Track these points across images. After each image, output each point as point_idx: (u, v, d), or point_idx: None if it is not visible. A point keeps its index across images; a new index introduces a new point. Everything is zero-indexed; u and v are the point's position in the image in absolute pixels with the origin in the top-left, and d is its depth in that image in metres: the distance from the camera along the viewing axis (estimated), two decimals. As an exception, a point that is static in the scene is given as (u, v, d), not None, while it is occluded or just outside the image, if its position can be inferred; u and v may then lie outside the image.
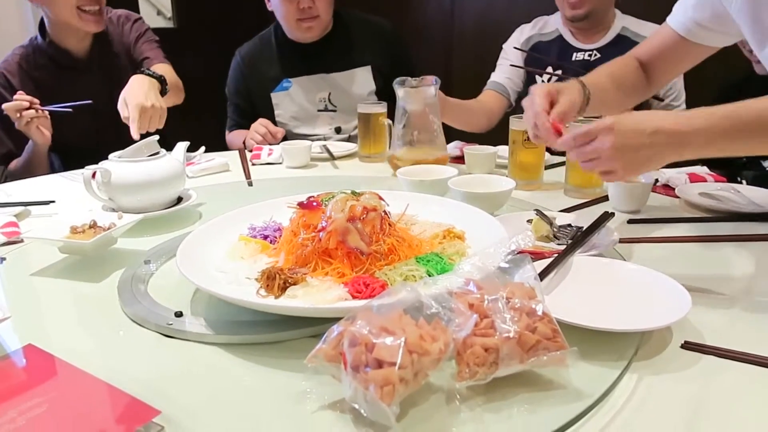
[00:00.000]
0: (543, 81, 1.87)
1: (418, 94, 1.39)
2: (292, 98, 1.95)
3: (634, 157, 0.81)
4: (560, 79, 1.82)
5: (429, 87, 1.39)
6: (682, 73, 1.18)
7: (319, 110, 1.96)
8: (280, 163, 1.61)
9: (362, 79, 1.93)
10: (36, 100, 1.59)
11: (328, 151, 1.65)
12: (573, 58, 1.83)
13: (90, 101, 1.66)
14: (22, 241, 1.04)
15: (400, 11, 3.24)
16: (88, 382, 0.62)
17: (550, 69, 1.84)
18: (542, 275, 0.78)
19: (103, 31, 1.83)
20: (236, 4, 3.64)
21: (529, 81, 1.90)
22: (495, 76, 1.93)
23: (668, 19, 1.12)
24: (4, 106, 1.58)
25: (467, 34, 3.25)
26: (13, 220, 1.10)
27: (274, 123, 1.97)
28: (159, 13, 3.59)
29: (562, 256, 0.81)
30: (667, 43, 1.12)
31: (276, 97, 1.96)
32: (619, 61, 1.18)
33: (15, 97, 1.59)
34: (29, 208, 1.23)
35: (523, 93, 1.93)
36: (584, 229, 0.93)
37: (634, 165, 0.83)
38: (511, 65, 1.88)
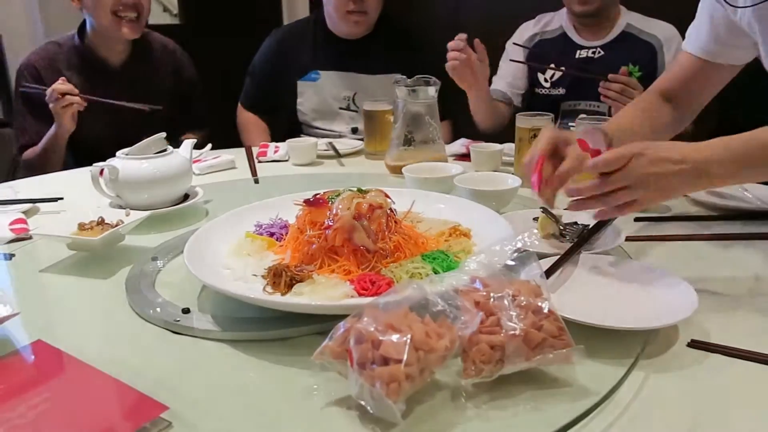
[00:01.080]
0: (546, 78, 1.87)
1: (416, 94, 1.39)
2: (317, 90, 1.96)
3: (662, 185, 0.77)
4: (563, 76, 1.82)
5: (427, 88, 1.39)
6: (710, 98, 1.14)
7: (341, 108, 1.96)
8: (286, 161, 1.61)
9: (390, 86, 1.92)
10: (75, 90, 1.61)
11: (334, 148, 1.65)
12: (576, 56, 1.83)
13: (147, 107, 1.70)
14: (30, 237, 1.04)
15: (405, 10, 3.24)
16: (96, 377, 0.63)
17: (552, 66, 1.83)
18: (548, 273, 0.78)
19: (143, 47, 1.84)
20: (242, 1, 3.65)
21: (533, 78, 1.90)
22: (496, 83, 1.92)
23: (684, 45, 1.11)
24: (54, 85, 1.59)
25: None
26: (22, 217, 1.10)
27: (295, 111, 1.99)
28: (165, 9, 3.60)
29: (568, 254, 0.81)
30: (689, 69, 1.09)
31: (302, 85, 1.96)
32: (644, 98, 1.14)
33: (61, 81, 1.61)
34: (37, 205, 1.24)
35: (527, 92, 1.93)
36: (590, 227, 0.93)
37: (657, 194, 0.79)
38: (511, 60, 1.87)
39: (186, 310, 0.76)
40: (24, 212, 1.16)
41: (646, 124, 1.07)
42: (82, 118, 1.71)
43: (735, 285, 0.84)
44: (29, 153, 1.75)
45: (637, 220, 1.10)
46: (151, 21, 3.19)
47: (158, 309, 0.77)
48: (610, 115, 1.72)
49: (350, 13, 1.85)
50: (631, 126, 1.05)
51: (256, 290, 0.75)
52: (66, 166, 1.76)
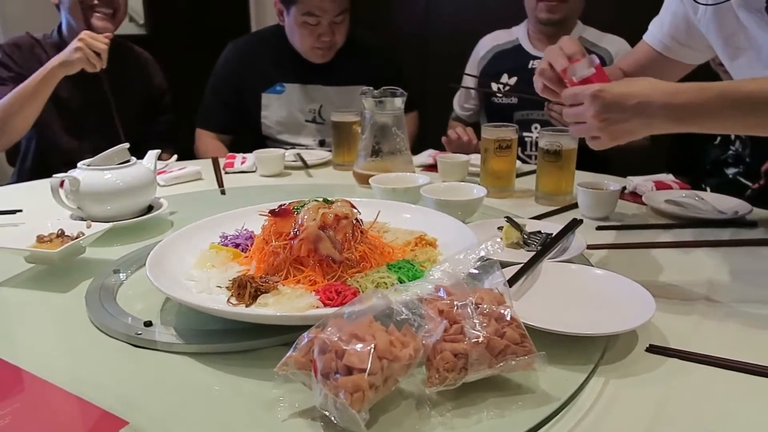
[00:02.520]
0: (499, 88, 1.92)
1: (383, 105, 1.40)
2: (282, 103, 1.94)
3: (617, 129, 0.80)
4: (513, 89, 1.88)
5: (394, 99, 1.40)
6: None
7: (307, 120, 1.95)
8: (253, 172, 1.60)
9: (356, 98, 1.93)
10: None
11: (301, 159, 1.65)
12: (529, 66, 1.87)
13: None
14: (-14, 251, 1.01)
15: (375, 19, 3.26)
16: (55, 393, 0.61)
17: (505, 76, 1.89)
18: (512, 281, 0.79)
19: (118, 52, 1.81)
20: (209, 11, 3.63)
21: (487, 100, 1.97)
22: (456, 107, 2.09)
23: (645, 36, 1.15)
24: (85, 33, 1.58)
25: (441, 40, 3.28)
26: (-22, 230, 1.07)
27: (259, 124, 1.96)
28: (131, 19, 3.56)
29: (531, 262, 0.83)
30: (647, 58, 1.14)
31: (267, 98, 1.94)
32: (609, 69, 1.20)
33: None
34: (-5, 217, 1.20)
35: (482, 103, 2.01)
36: (553, 235, 0.95)
37: (616, 134, 0.81)
38: (463, 87, 2.02)
39: (148, 323, 0.74)
40: (-20, 225, 1.13)
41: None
42: (43, 124, 1.69)
43: (691, 290, 0.86)
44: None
45: (598, 228, 1.12)
46: (117, 31, 3.16)
47: (119, 323, 0.75)
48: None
49: (317, 48, 1.85)
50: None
51: (220, 302, 0.74)
52: (24, 177, 1.72)
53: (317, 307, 0.72)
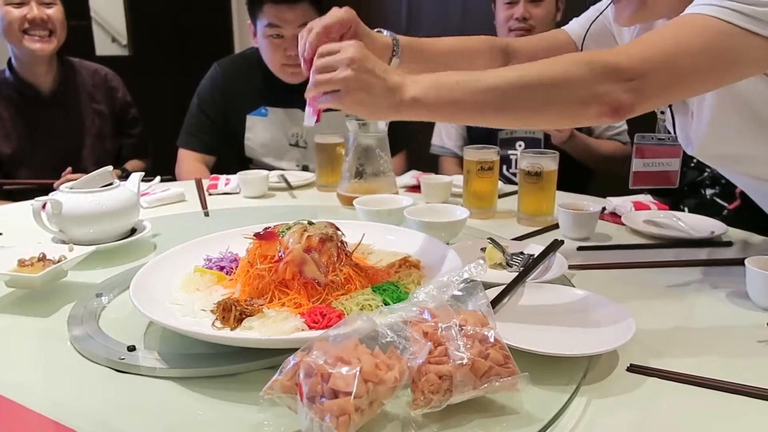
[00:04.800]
0: None
1: (366, 128, 1.42)
2: (266, 126, 1.94)
3: (363, 80, 0.77)
4: None
5: (377, 122, 1.42)
6: None
7: (290, 144, 1.96)
8: (237, 193, 1.60)
9: (337, 123, 1.94)
10: None
11: (285, 180, 1.66)
12: None
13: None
14: (-35, 275, 1.00)
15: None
16: (36, 421, 0.60)
17: None
18: (495, 302, 0.80)
19: (70, 71, 1.88)
20: (192, 32, 3.65)
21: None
22: (443, 141, 2.10)
23: (565, 27, 1.19)
24: None
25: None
26: (-44, 254, 1.06)
27: (243, 146, 1.97)
28: (114, 40, 3.56)
29: (514, 284, 0.84)
30: (558, 44, 1.14)
31: (251, 119, 1.94)
32: (479, 39, 1.17)
33: None
34: (-27, 240, 1.19)
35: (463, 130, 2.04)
36: (535, 256, 0.96)
37: (359, 85, 0.77)
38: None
39: (131, 348, 0.74)
40: (-41, 248, 1.11)
41: (460, 57, 1.11)
42: (12, 158, 1.73)
43: (670, 310, 0.88)
44: None
45: (579, 249, 1.14)
46: (99, 52, 3.17)
47: (102, 347, 0.75)
48: (546, 143, 1.81)
49: (286, 65, 1.85)
50: (432, 49, 1.09)
51: (204, 325, 0.74)
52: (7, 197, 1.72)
53: (302, 330, 0.72)
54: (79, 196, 1.09)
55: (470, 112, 0.79)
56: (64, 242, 1.06)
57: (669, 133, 1.07)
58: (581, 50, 1.12)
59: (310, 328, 0.72)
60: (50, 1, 1.77)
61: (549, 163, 1.27)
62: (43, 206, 1.09)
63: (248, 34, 3.84)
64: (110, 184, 1.14)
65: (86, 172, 1.82)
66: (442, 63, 1.08)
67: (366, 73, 0.77)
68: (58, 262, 0.94)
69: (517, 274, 0.89)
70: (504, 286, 0.83)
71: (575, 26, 1.15)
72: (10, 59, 1.84)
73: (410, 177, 1.66)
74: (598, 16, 1.11)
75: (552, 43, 1.15)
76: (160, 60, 3.50)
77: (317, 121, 0.85)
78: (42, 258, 0.95)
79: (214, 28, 3.79)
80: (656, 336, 0.79)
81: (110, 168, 1.17)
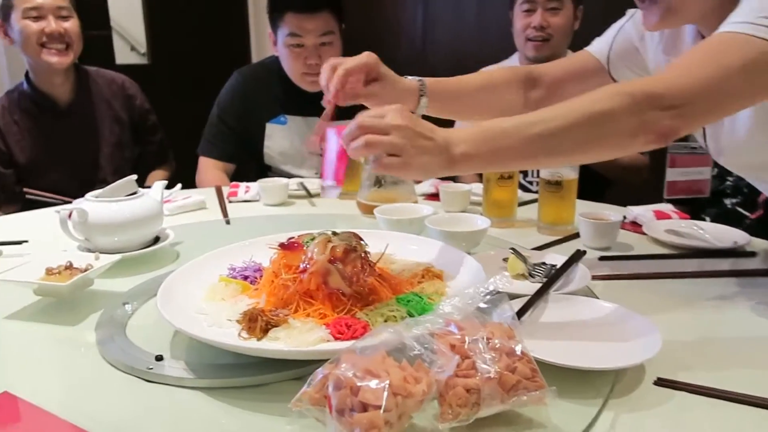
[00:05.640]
0: None
1: None
2: (285, 134, 1.96)
3: (420, 146, 0.77)
4: None
5: None
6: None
7: (309, 152, 1.97)
8: (257, 201, 1.61)
9: None
10: None
11: (305, 188, 1.67)
12: None
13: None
14: (-6, 282, 1.02)
15: (372, 50, 3.32)
16: (66, 430, 0.61)
17: None
18: (519, 314, 0.80)
19: (87, 81, 1.92)
20: (209, 41, 3.69)
21: None
22: None
23: (588, 48, 1.18)
24: None
25: (439, 72, 3.34)
26: (-15, 261, 1.08)
27: (261, 153, 1.98)
28: (133, 48, 3.61)
29: (538, 295, 0.84)
30: (578, 63, 1.15)
31: (270, 127, 1.96)
32: (499, 71, 1.19)
33: None
34: (0, 248, 1.21)
35: None
36: (558, 267, 0.96)
37: (418, 152, 0.77)
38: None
39: (159, 357, 0.75)
40: (-13, 256, 1.13)
41: (486, 92, 1.12)
42: (31, 169, 1.80)
43: (696, 322, 0.87)
44: None
45: (601, 259, 1.13)
46: (119, 61, 3.21)
47: (130, 356, 0.76)
48: None
49: (306, 74, 1.86)
50: (458, 88, 1.10)
51: (231, 335, 0.75)
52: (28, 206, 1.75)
53: (328, 340, 0.72)
54: (104, 204, 1.10)
55: (521, 159, 0.81)
56: (89, 250, 1.07)
57: (696, 142, 1.06)
58: (608, 68, 1.12)
59: (336, 338, 0.73)
60: (67, 14, 1.81)
61: (569, 172, 1.27)
62: (69, 214, 1.10)
63: (265, 43, 3.90)
64: (134, 193, 1.15)
65: (105, 180, 1.88)
66: (468, 100, 1.11)
67: (418, 137, 0.77)
68: (85, 270, 0.95)
69: (540, 285, 0.88)
70: (528, 298, 0.83)
71: (599, 45, 1.15)
72: (27, 71, 1.87)
73: (429, 185, 1.66)
74: (619, 32, 1.11)
75: (576, 65, 1.15)
76: (179, 68, 3.54)
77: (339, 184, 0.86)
78: (69, 266, 0.96)
79: (231, 37, 3.83)
80: (683, 348, 0.78)
81: (134, 177, 1.19)
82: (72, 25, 1.81)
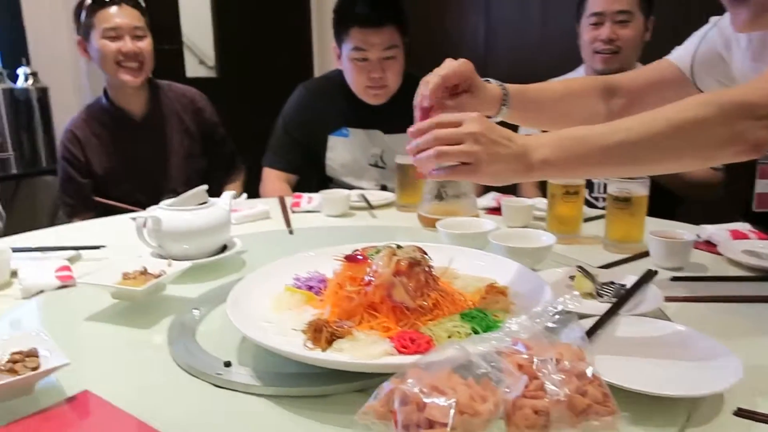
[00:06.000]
0: None
1: None
2: (347, 147, 1.99)
3: (495, 153, 0.76)
4: None
5: None
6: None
7: (370, 164, 1.99)
8: (319, 212, 1.64)
9: None
10: None
11: (366, 200, 1.68)
12: None
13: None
14: (74, 285, 1.07)
15: (433, 61, 3.32)
16: (140, 430, 0.64)
17: None
18: (588, 335, 0.77)
19: (159, 95, 2.01)
20: (275, 55, 3.79)
21: None
22: None
23: (669, 57, 1.13)
24: None
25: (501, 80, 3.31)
26: (67, 264, 1.14)
27: (324, 165, 2.02)
28: (201, 62, 3.76)
29: (607, 316, 0.81)
30: (663, 75, 1.10)
31: (333, 140, 1.99)
32: (580, 80, 1.17)
33: None
34: (80, 252, 1.28)
35: None
36: (628, 287, 0.92)
37: (493, 160, 0.76)
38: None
39: (227, 364, 0.77)
40: (68, 259, 1.19)
41: (568, 101, 1.09)
42: (115, 169, 1.91)
43: (779, 350, 0.82)
44: None
45: (674, 279, 1.09)
46: (189, 74, 3.34)
47: (200, 361, 0.78)
48: None
49: (369, 87, 1.88)
50: (539, 96, 1.08)
51: (296, 345, 0.76)
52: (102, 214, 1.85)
53: (392, 354, 0.73)
54: (177, 213, 1.15)
55: (601, 167, 0.80)
56: (161, 257, 1.12)
57: None
58: (691, 78, 1.08)
59: (400, 352, 0.73)
60: (142, 34, 1.90)
61: (639, 188, 1.23)
62: (144, 222, 1.15)
63: (328, 56, 3.98)
64: (205, 202, 1.20)
65: (175, 190, 1.96)
66: (549, 108, 1.09)
67: (494, 144, 0.77)
68: (159, 276, 0.99)
69: (609, 305, 0.86)
70: (597, 318, 0.81)
71: (681, 54, 1.11)
72: (105, 87, 1.98)
73: (490, 199, 1.64)
74: (702, 40, 1.07)
75: (657, 75, 1.11)
76: (245, 81, 3.65)
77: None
78: (144, 272, 1.01)
79: (295, 51, 3.93)
80: (764, 377, 0.74)
81: (205, 187, 1.23)
82: (146, 44, 1.91)
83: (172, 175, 2.02)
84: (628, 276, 0.99)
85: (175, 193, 1.93)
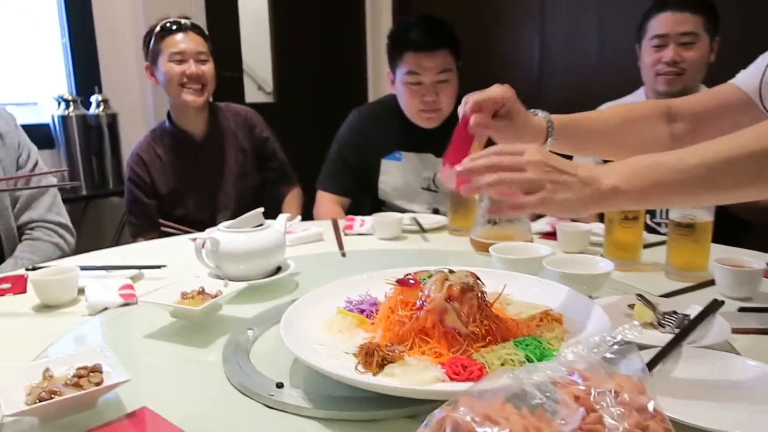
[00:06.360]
0: None
1: None
2: (399, 170, 2.01)
3: (562, 181, 0.75)
4: None
5: None
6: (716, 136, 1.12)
7: (422, 188, 2.00)
8: (371, 234, 1.65)
9: None
10: None
11: (418, 223, 1.68)
12: None
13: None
14: (136, 303, 1.12)
15: (486, 83, 3.31)
16: (197, 448, 0.65)
17: None
18: (649, 367, 0.74)
19: (218, 116, 2.11)
20: (330, 81, 3.88)
21: None
22: None
23: (733, 80, 1.08)
24: None
25: (553, 108, 3.27)
26: (130, 283, 1.18)
27: (376, 188, 2.04)
28: (260, 88, 3.88)
29: (670, 347, 0.78)
30: (731, 99, 1.05)
31: (386, 163, 2.02)
32: (639, 104, 1.13)
33: None
34: (142, 271, 1.33)
35: None
36: (692, 317, 0.88)
37: (558, 190, 0.75)
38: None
39: (279, 385, 0.77)
40: (131, 278, 1.24)
41: (626, 127, 1.06)
42: (177, 188, 2.00)
43: None
44: None
45: (741, 310, 1.03)
46: (247, 99, 3.47)
47: (253, 382, 0.79)
48: None
49: (422, 111, 1.90)
50: (590, 125, 1.05)
51: (348, 368, 0.76)
52: (165, 233, 1.93)
53: (443, 380, 0.72)
54: (234, 235, 1.18)
55: (677, 194, 0.77)
56: (218, 277, 1.15)
57: None
58: (760, 102, 1.04)
59: (451, 379, 0.72)
60: (205, 58, 2.03)
61: (703, 214, 1.18)
62: (203, 244, 1.19)
63: (381, 83, 4.04)
64: (261, 224, 1.23)
65: (229, 206, 2.04)
66: (603, 137, 1.06)
67: (559, 173, 0.76)
68: (215, 296, 1.02)
69: (671, 335, 0.82)
70: (658, 349, 0.77)
71: (746, 77, 1.06)
72: (169, 110, 2.10)
73: (544, 223, 1.61)
74: None
75: (721, 99, 1.07)
76: (301, 106, 3.75)
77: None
78: (201, 291, 1.04)
79: (350, 77, 4.02)
80: None
81: (261, 210, 1.26)
82: (208, 68, 2.03)
83: (227, 192, 2.09)
84: (691, 306, 0.94)
85: (229, 209, 2.02)
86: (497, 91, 0.99)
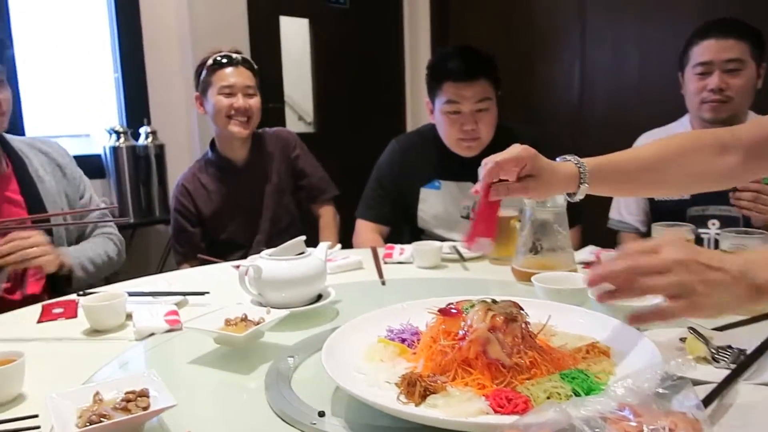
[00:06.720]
0: (662, 198, 1.83)
1: (544, 202, 1.39)
2: (439, 199, 2.01)
3: (712, 280, 0.68)
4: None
5: (555, 196, 1.38)
6: None
7: (461, 216, 1.99)
8: (410, 263, 1.64)
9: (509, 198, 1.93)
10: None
11: (458, 252, 1.67)
12: None
13: None
14: (181, 329, 1.14)
15: (526, 112, 3.31)
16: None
17: None
18: (704, 403, 0.71)
19: (260, 141, 2.18)
20: (370, 111, 3.95)
21: (652, 199, 1.87)
22: (621, 214, 1.98)
23: None
24: None
25: (593, 134, 3.23)
26: (175, 309, 1.21)
27: (416, 217, 2.04)
28: (300, 118, 3.97)
29: (726, 383, 0.74)
30: None
31: (425, 192, 2.02)
32: (692, 134, 1.11)
33: None
34: (186, 297, 1.35)
35: (645, 206, 1.91)
36: (749, 352, 0.85)
37: (710, 289, 0.68)
38: None
39: (321, 413, 0.77)
40: (176, 304, 1.27)
41: (668, 164, 1.02)
42: (219, 213, 2.09)
43: None
44: None
45: (801, 345, 0.98)
46: (289, 128, 3.55)
47: (295, 410, 0.79)
48: (747, 224, 1.61)
49: (461, 140, 1.90)
50: (629, 166, 1.02)
51: (389, 398, 0.76)
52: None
53: (487, 413, 0.70)
54: (276, 263, 1.19)
55: None
56: (260, 304, 1.16)
57: None
58: None
59: (496, 412, 0.70)
60: (253, 92, 2.10)
61: (758, 244, 1.14)
62: (246, 271, 1.21)
63: (420, 113, 4.08)
64: (302, 252, 1.24)
65: (264, 229, 2.09)
66: (648, 176, 1.03)
67: (707, 270, 0.69)
68: (258, 323, 1.03)
69: (727, 371, 0.79)
70: (713, 386, 0.74)
71: None
72: (213, 140, 2.17)
73: (588, 253, 1.58)
74: None
75: None
76: (341, 136, 3.82)
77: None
78: (244, 318, 1.05)
79: (389, 108, 4.08)
80: None
81: (303, 238, 1.28)
82: (255, 102, 2.10)
83: (263, 212, 2.14)
84: (748, 339, 0.91)
85: (264, 231, 2.07)
86: (516, 150, 1.00)
